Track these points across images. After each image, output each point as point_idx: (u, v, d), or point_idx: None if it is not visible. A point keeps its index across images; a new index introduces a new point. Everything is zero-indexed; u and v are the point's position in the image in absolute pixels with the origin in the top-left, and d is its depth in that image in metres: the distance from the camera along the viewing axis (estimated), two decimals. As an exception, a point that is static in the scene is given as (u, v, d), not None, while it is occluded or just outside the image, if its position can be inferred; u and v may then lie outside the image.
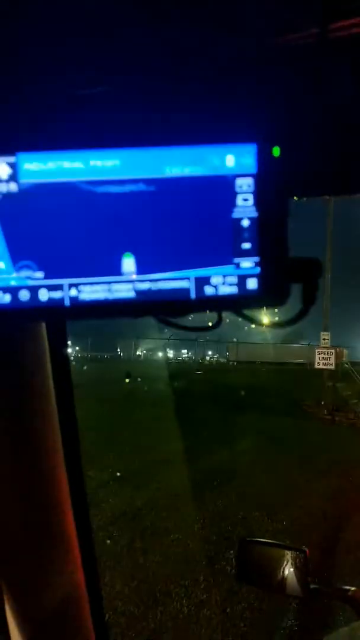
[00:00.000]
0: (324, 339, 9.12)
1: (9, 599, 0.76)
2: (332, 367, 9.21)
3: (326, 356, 8.94)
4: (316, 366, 9.49)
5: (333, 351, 9.03)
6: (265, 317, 0.62)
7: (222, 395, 8.62)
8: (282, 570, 1.15)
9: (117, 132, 0.52)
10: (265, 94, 0.58)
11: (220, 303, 0.55)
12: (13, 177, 0.51)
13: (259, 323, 0.61)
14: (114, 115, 0.54)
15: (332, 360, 8.89)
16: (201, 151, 0.53)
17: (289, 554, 1.16)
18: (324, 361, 9.10)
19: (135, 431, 6.40)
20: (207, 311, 0.57)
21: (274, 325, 0.61)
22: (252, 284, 0.55)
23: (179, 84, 0.57)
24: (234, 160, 0.53)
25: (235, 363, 10.95)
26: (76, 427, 0.85)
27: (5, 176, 0.51)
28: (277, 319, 0.68)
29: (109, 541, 3.92)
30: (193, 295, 0.54)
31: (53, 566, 0.79)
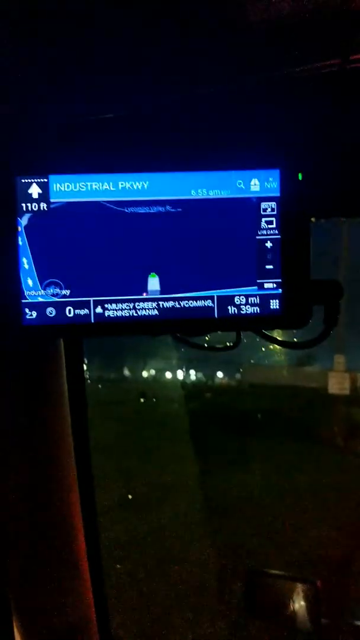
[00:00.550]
0: (338, 363, 9.01)
1: (17, 619, 0.76)
2: (347, 392, 9.07)
3: (340, 380, 8.81)
4: (330, 391, 9.35)
5: (347, 376, 8.90)
6: (285, 337, 0.62)
7: (232, 420, 8.51)
8: (292, 603, 1.12)
9: (146, 157, 0.54)
10: (288, 121, 0.60)
11: (242, 323, 0.56)
12: (44, 197, 0.53)
13: (279, 344, 0.62)
14: (144, 141, 0.56)
15: (347, 385, 8.76)
16: (227, 175, 0.55)
17: (299, 586, 1.13)
18: (338, 386, 8.97)
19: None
20: (230, 330, 0.58)
21: (295, 346, 0.62)
22: (274, 304, 0.55)
23: (206, 111, 0.59)
24: (259, 184, 0.55)
25: (246, 385, 10.87)
26: (88, 446, 0.85)
27: (36, 196, 0.53)
28: (295, 340, 0.68)
29: (118, 566, 3.86)
30: (216, 314, 0.55)
31: (63, 587, 0.79)
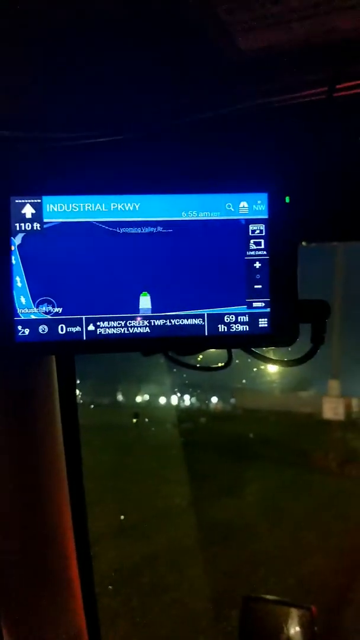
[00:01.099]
0: (332, 388, 8.99)
1: (8, 636, 0.75)
2: (341, 417, 9.04)
3: (335, 406, 8.79)
4: (324, 416, 9.31)
5: (342, 401, 8.88)
6: (275, 356, 0.63)
7: (226, 445, 8.42)
8: (287, 629, 1.11)
9: (138, 179, 0.56)
10: (275, 146, 0.62)
11: (232, 341, 0.57)
12: (37, 218, 0.55)
13: (268, 361, 0.63)
14: (135, 163, 0.58)
15: (341, 410, 8.73)
16: (217, 198, 0.56)
17: (294, 612, 1.12)
18: (332, 411, 8.94)
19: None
20: (220, 348, 0.59)
21: (284, 363, 0.63)
22: (263, 323, 0.57)
23: (195, 136, 0.61)
24: (247, 207, 0.57)
25: (241, 410, 10.81)
26: (80, 466, 0.85)
27: (29, 216, 0.55)
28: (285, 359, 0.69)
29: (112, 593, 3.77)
30: (206, 332, 0.56)
31: (54, 604, 0.78)
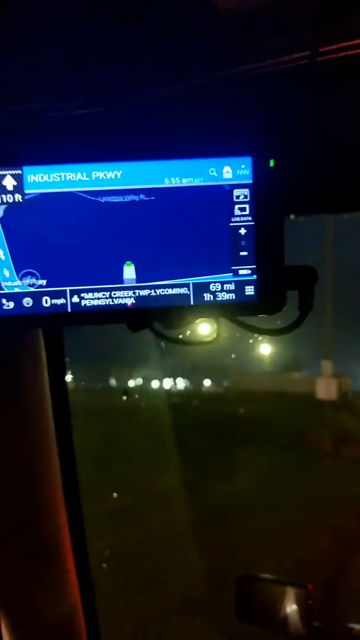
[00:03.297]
0: (325, 368, 9.05)
1: (4, 619, 0.75)
2: (334, 397, 9.12)
3: (328, 386, 8.86)
4: (318, 396, 9.38)
5: (335, 381, 8.95)
6: (263, 325, 0.63)
7: (220, 427, 8.46)
8: (284, 607, 1.12)
9: (119, 146, 0.55)
10: (259, 109, 0.61)
11: (218, 310, 0.57)
12: (18, 189, 0.54)
13: (255, 331, 0.62)
14: (116, 130, 0.57)
15: (335, 390, 8.81)
16: (199, 163, 0.55)
17: (290, 590, 1.13)
18: (325, 391, 9.01)
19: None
20: (206, 318, 0.58)
21: (271, 332, 0.62)
22: (249, 291, 0.56)
23: (177, 100, 0.60)
24: (231, 172, 0.56)
25: (234, 393, 10.86)
26: (71, 437, 0.85)
27: (10, 187, 0.53)
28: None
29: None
30: (192, 302, 0.56)
31: (48, 584, 0.79)
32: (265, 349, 9.39)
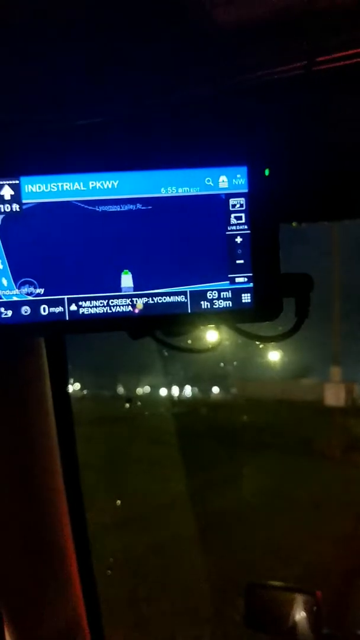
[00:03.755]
0: (333, 374, 9.00)
1: (9, 625, 0.76)
2: (343, 403, 9.06)
3: (336, 392, 8.81)
4: (326, 403, 9.33)
5: (343, 387, 8.90)
6: (261, 332, 0.63)
7: (229, 435, 8.43)
8: (292, 614, 1.11)
9: (116, 156, 0.56)
10: (255, 119, 0.62)
11: (216, 317, 0.57)
12: (16, 199, 0.54)
13: (252, 338, 0.63)
14: (113, 140, 0.57)
15: (343, 397, 8.75)
16: (195, 173, 0.56)
17: (299, 597, 1.12)
18: (334, 397, 8.96)
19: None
20: (203, 325, 0.59)
21: (269, 339, 0.62)
22: (246, 298, 0.56)
23: (174, 111, 0.60)
24: (227, 181, 0.56)
25: (242, 400, 10.82)
26: (74, 443, 0.85)
27: (8, 197, 0.54)
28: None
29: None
30: (189, 309, 0.56)
31: (53, 593, 0.79)
32: (273, 355, 9.36)
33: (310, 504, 5.77)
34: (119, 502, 5.22)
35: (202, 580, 4.01)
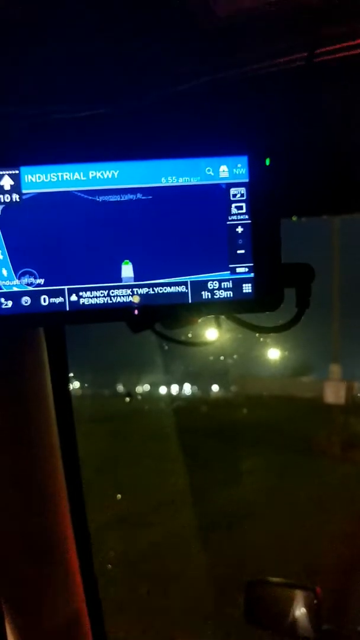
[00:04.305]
0: (333, 372, 9.00)
1: (10, 619, 0.76)
2: (343, 401, 9.06)
3: (336, 390, 8.81)
4: (326, 400, 9.33)
5: (343, 385, 8.90)
6: (263, 323, 0.63)
7: (229, 432, 8.43)
8: (292, 610, 1.11)
9: (116, 146, 0.55)
10: (256, 109, 0.62)
11: (216, 307, 0.57)
12: (16, 189, 0.54)
13: (252, 329, 0.62)
14: (113, 130, 0.57)
15: (343, 394, 8.75)
16: (196, 162, 0.56)
17: (299, 594, 1.12)
18: (334, 395, 8.96)
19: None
20: (204, 316, 0.59)
21: (269, 330, 0.62)
22: (247, 288, 0.56)
23: (174, 100, 0.60)
24: (228, 171, 0.56)
25: (242, 398, 10.83)
26: (74, 435, 0.85)
27: (8, 187, 0.54)
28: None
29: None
30: (190, 300, 0.56)
31: (54, 589, 0.79)
32: (273, 353, 9.36)
33: (311, 501, 5.77)
34: (119, 496, 5.22)
35: (200, 576, 4.01)
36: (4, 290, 0.55)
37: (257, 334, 0.70)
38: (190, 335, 0.74)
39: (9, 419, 0.73)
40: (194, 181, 0.56)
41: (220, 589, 3.75)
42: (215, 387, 11.48)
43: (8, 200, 0.54)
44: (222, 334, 0.75)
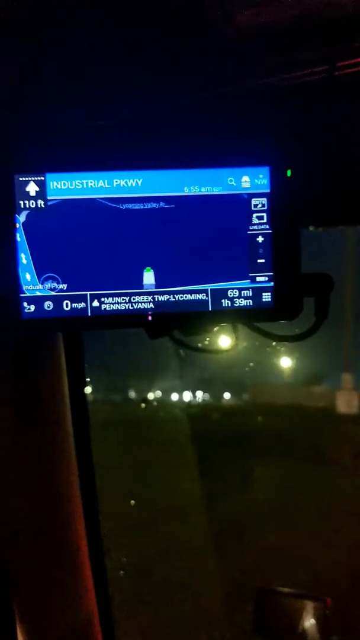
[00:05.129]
0: (345, 381, 8.93)
1: (20, 621, 0.76)
2: (355, 411, 8.98)
3: (349, 399, 8.74)
4: (338, 410, 9.25)
5: (356, 394, 8.83)
6: (279, 331, 0.64)
7: (240, 440, 8.40)
8: (302, 621, 1.11)
9: (140, 155, 0.57)
10: (279, 120, 0.62)
11: (236, 316, 0.58)
12: (41, 195, 0.56)
13: (270, 337, 0.63)
14: (137, 139, 0.58)
15: (356, 404, 8.68)
16: (218, 172, 0.57)
17: (309, 604, 1.11)
18: (346, 404, 8.89)
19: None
20: (223, 323, 0.59)
21: (287, 339, 0.63)
22: (266, 297, 0.57)
23: (198, 111, 0.61)
24: (249, 181, 0.57)
25: (254, 406, 10.78)
26: (89, 439, 0.86)
27: (33, 193, 0.55)
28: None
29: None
30: (210, 307, 0.57)
31: (65, 590, 0.79)
32: (285, 361, 9.32)
33: (321, 511, 5.72)
34: (132, 502, 5.21)
35: (209, 585, 3.99)
36: (27, 294, 0.56)
37: (272, 343, 0.71)
38: (206, 342, 0.75)
39: (25, 422, 0.74)
40: (216, 191, 0.56)
41: (228, 597, 3.73)
42: (227, 395, 11.44)
43: (33, 206, 0.55)
44: (238, 342, 0.76)
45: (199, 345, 0.72)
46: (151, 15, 0.53)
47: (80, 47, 0.56)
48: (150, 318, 0.57)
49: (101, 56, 0.55)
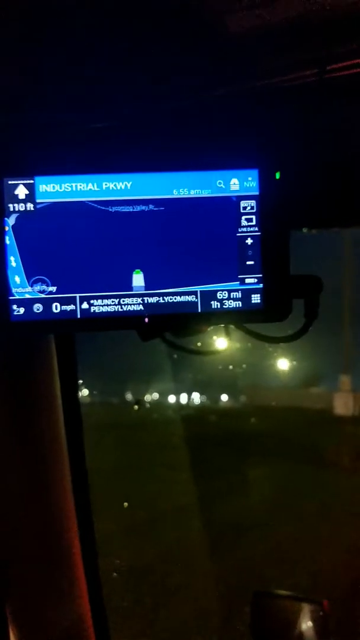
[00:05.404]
0: (343, 383, 8.95)
1: (13, 625, 0.76)
2: (352, 413, 9.00)
3: (346, 401, 8.75)
4: (336, 412, 9.27)
5: (353, 396, 8.84)
6: (270, 332, 0.64)
7: (237, 443, 8.40)
8: (299, 624, 1.11)
9: (129, 158, 0.57)
10: (267, 123, 0.63)
11: (225, 317, 0.58)
12: (30, 198, 0.56)
13: (260, 339, 0.63)
14: (127, 142, 0.58)
15: (352, 406, 8.70)
16: (207, 175, 0.57)
17: (306, 607, 1.11)
18: (344, 406, 8.91)
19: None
20: (213, 325, 0.59)
21: (277, 340, 0.63)
22: (255, 299, 0.57)
23: (187, 114, 0.61)
24: (238, 184, 0.57)
25: (251, 408, 10.77)
26: (82, 442, 0.86)
27: (23, 196, 0.56)
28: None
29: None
30: (199, 309, 0.57)
31: (58, 593, 0.79)
32: (282, 363, 9.33)
33: (320, 512, 5.71)
34: (125, 504, 5.21)
35: (206, 587, 3.98)
36: (17, 297, 0.56)
37: (266, 344, 0.71)
38: (199, 344, 0.75)
39: (18, 424, 0.74)
40: (205, 193, 0.57)
41: (225, 599, 3.72)
42: (224, 397, 11.44)
43: (22, 209, 0.56)
44: (232, 344, 0.76)
45: (192, 347, 0.72)
46: (143, 17, 0.53)
47: (71, 48, 0.56)
48: (139, 320, 0.57)
49: (101, 56, 0.56)
